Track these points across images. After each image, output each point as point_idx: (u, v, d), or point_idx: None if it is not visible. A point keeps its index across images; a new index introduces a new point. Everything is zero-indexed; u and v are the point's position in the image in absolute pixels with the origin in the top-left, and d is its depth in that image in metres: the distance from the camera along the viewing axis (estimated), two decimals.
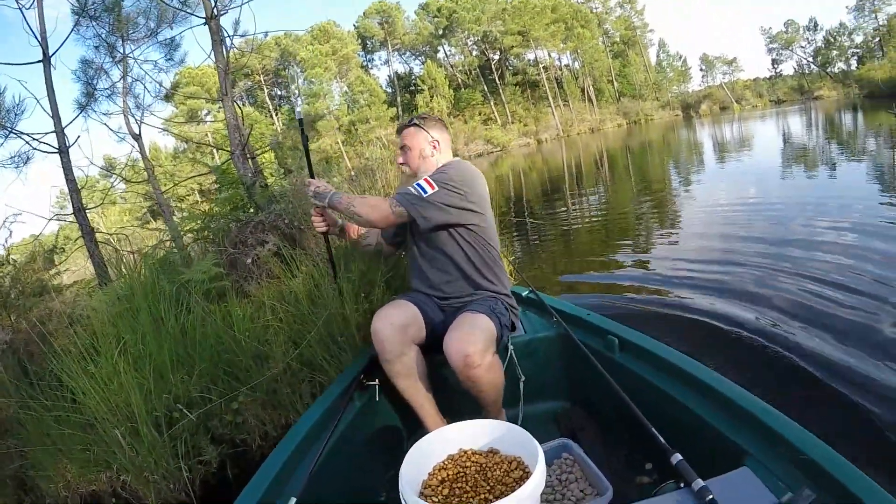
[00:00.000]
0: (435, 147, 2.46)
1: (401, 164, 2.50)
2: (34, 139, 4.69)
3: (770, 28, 67.44)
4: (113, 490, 2.63)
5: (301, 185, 4.00)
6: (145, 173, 6.52)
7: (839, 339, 3.18)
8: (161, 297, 2.93)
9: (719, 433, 1.52)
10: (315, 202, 2.44)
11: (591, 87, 63.44)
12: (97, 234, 4.56)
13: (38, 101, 4.74)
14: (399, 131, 2.53)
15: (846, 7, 64.79)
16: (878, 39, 53.05)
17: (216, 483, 2.69)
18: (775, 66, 66.16)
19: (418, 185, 2.25)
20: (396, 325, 2.09)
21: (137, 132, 5.99)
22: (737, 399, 1.54)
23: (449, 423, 1.76)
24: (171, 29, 6.56)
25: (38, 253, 4.04)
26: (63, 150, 4.62)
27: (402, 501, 1.34)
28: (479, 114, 59.44)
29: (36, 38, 4.70)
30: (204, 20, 4.91)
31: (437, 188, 2.22)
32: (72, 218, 4.61)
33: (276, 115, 55.14)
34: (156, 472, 2.51)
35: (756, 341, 3.33)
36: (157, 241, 4.26)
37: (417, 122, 2.47)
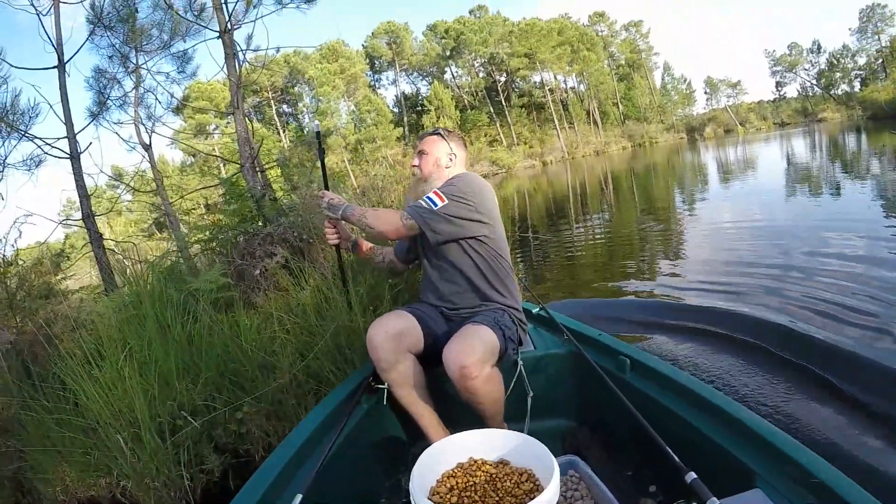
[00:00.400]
0: (451, 160, 2.50)
1: (414, 165, 2.52)
2: (46, 143, 4.73)
3: (774, 51, 67.84)
4: (112, 496, 2.61)
5: (311, 199, 4.02)
6: (154, 184, 6.55)
7: (842, 359, 3.16)
8: (168, 305, 2.93)
9: (730, 454, 1.52)
10: (328, 213, 2.48)
11: (596, 110, 63.87)
12: (105, 241, 4.57)
13: (51, 107, 4.79)
14: (421, 137, 2.58)
15: (849, 29, 65.30)
16: (881, 61, 53.42)
17: (217, 492, 2.66)
18: (779, 88, 66.52)
19: (428, 198, 2.27)
20: (391, 334, 2.09)
21: (148, 142, 6.04)
22: (746, 420, 1.54)
23: (452, 434, 1.74)
24: (185, 42, 6.63)
25: (46, 256, 4.05)
26: (74, 156, 4.65)
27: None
28: (485, 135, 59.76)
29: (52, 44, 4.76)
30: (217, 34, 4.97)
31: (446, 200, 2.24)
32: (80, 224, 4.63)
33: (284, 132, 55.50)
34: (157, 479, 2.48)
35: (761, 359, 3.32)
36: (164, 251, 4.26)
37: (441, 133, 2.53)
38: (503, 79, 63.64)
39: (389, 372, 2.11)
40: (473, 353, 1.89)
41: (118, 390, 2.52)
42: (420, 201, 2.29)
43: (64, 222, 4.74)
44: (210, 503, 2.60)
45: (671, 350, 3.72)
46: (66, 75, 4.78)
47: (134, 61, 6.29)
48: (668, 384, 1.91)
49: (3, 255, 3.46)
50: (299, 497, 1.48)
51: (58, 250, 4.07)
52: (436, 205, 2.23)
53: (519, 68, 59.58)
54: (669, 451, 1.48)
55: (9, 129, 4.43)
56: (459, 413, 2.12)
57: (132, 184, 6.60)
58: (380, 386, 2.17)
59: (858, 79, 56.48)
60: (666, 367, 1.99)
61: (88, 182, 4.83)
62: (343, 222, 2.55)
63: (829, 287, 4.48)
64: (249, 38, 5.59)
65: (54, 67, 4.75)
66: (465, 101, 63.76)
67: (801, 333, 3.55)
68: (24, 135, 4.60)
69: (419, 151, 2.52)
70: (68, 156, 4.68)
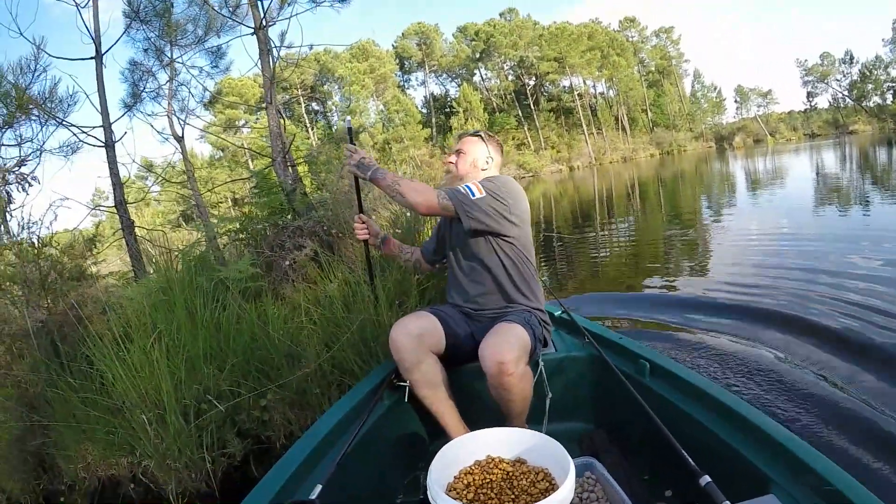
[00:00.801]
0: (487, 163, 2.53)
1: (450, 162, 2.55)
2: (83, 131, 4.84)
3: (806, 60, 66.26)
4: (133, 475, 2.67)
5: (341, 195, 4.06)
6: (184, 175, 6.67)
7: (869, 368, 3.11)
8: (198, 293, 2.98)
9: (746, 460, 1.51)
10: (356, 172, 2.42)
11: (625, 116, 63.37)
12: (136, 229, 4.67)
13: (87, 97, 4.90)
14: (461, 136, 2.61)
15: (882, 40, 63.58)
16: None
17: (238, 477, 2.70)
18: (810, 99, 65.06)
19: (467, 186, 2.29)
20: (413, 335, 2.11)
21: (180, 134, 6.14)
22: (764, 427, 1.53)
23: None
24: (219, 37, 6.73)
25: (78, 240, 4.15)
26: (109, 145, 4.75)
27: (431, 500, 1.34)
28: (513, 138, 59.67)
29: (90, 35, 4.86)
30: (252, 30, 5.04)
31: (484, 194, 2.26)
32: (112, 210, 4.74)
33: (313, 129, 55.99)
34: (179, 461, 2.53)
35: (783, 369, 3.27)
36: (194, 241, 4.34)
37: (482, 135, 2.57)
38: (532, 82, 63.50)
39: (412, 372, 2.12)
40: (512, 350, 1.90)
41: (145, 372, 2.57)
42: (458, 188, 2.30)
43: (97, 209, 4.85)
44: (229, 487, 2.64)
45: (693, 348, 3.70)
46: (103, 66, 4.89)
47: (169, 55, 6.39)
48: (686, 388, 1.90)
49: (38, 237, 3.55)
50: (319, 487, 1.51)
51: (90, 235, 4.16)
52: (474, 194, 2.25)
53: (548, 72, 59.35)
54: (685, 454, 1.48)
55: (47, 117, 4.54)
56: (478, 412, 2.15)
57: (164, 174, 6.72)
58: (401, 383, 2.19)
59: (891, 91, 55.15)
60: (685, 372, 1.99)
61: (122, 171, 4.93)
62: (371, 220, 2.59)
63: (856, 292, 4.41)
64: (283, 35, 5.64)
65: (91, 58, 4.86)
66: (494, 104, 63.72)
67: (829, 338, 3.51)
68: (61, 122, 4.71)
69: (457, 150, 2.54)
70: (103, 144, 4.78)
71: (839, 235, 6.94)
